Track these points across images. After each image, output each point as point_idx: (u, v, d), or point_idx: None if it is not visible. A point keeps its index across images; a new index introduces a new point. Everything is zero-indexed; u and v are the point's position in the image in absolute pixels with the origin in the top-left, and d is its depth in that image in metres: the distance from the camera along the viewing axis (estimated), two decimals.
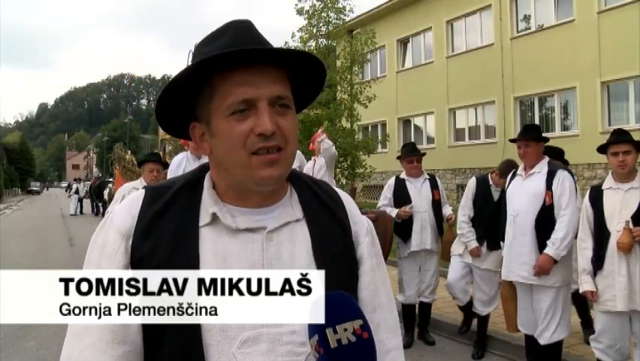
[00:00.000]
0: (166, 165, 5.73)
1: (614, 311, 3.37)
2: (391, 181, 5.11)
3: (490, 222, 4.59)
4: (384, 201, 5.03)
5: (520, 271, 3.89)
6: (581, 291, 3.55)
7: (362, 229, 1.05)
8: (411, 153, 4.99)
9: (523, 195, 3.91)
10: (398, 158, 5.13)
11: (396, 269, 5.19)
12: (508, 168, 4.54)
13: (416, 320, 5.12)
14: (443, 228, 5.03)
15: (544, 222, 3.77)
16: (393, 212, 4.85)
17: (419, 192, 4.90)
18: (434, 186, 4.98)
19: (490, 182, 4.81)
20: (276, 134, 0.89)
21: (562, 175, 3.82)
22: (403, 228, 4.87)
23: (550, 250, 3.69)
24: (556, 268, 3.75)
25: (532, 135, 3.94)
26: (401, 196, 4.92)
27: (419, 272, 4.96)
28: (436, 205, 4.92)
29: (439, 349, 4.92)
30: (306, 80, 1.00)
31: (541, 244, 3.77)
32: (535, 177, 3.90)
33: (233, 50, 0.87)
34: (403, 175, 5.07)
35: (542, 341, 3.86)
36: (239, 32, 0.93)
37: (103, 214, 18.40)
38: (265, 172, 0.90)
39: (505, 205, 4.08)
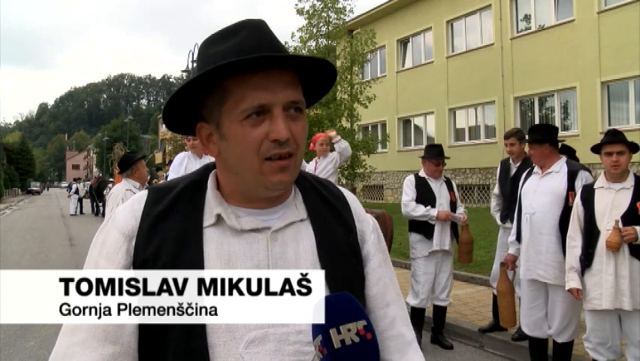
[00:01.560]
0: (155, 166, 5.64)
1: (601, 310, 3.38)
2: (412, 178, 4.99)
3: (510, 198, 4.83)
4: (412, 195, 4.86)
5: (537, 269, 3.85)
6: (567, 288, 3.55)
7: (367, 226, 1.06)
8: (440, 157, 4.93)
9: (540, 193, 3.87)
10: (421, 157, 5.04)
11: (397, 270, 5.17)
12: (517, 132, 5.06)
13: (423, 324, 5.00)
14: (457, 230, 4.99)
15: (568, 222, 3.69)
16: (432, 211, 4.74)
17: (440, 193, 4.89)
18: (450, 187, 4.99)
19: (510, 160, 5.09)
20: (289, 140, 0.88)
21: (584, 175, 3.81)
22: (425, 226, 4.80)
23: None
24: None
25: (533, 138, 3.96)
26: (426, 195, 4.85)
27: (434, 275, 4.88)
28: (453, 207, 4.91)
29: (438, 349, 4.91)
30: (315, 81, 0.99)
31: (565, 245, 3.69)
32: (553, 177, 3.87)
33: (254, 57, 0.85)
34: (422, 174, 4.99)
35: (562, 339, 3.83)
36: (253, 33, 0.91)
37: (103, 214, 18.44)
38: (276, 178, 0.90)
39: (520, 202, 4.07)
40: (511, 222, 4.73)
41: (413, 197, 4.85)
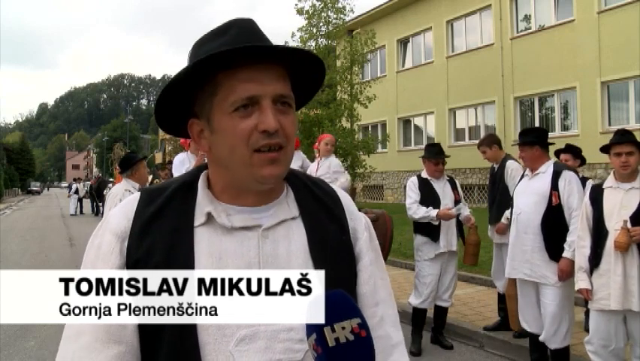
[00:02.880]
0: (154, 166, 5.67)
1: (608, 310, 3.36)
2: (414, 180, 4.90)
3: (492, 199, 5.09)
4: (416, 197, 4.77)
5: (523, 268, 3.93)
6: (576, 288, 3.55)
7: (360, 224, 1.06)
8: (439, 156, 4.89)
9: (527, 194, 3.97)
10: (422, 157, 5.00)
11: (397, 270, 5.15)
12: (485, 138, 5.30)
13: (424, 324, 4.96)
14: (463, 229, 4.98)
15: (551, 222, 3.78)
16: (432, 212, 4.65)
17: (443, 193, 4.84)
18: (454, 186, 4.97)
19: (494, 163, 5.26)
20: (278, 132, 0.89)
21: (568, 175, 3.83)
22: (431, 228, 4.72)
23: (568, 253, 3.70)
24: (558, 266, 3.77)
25: (524, 140, 4.06)
26: (429, 196, 4.77)
27: (439, 275, 4.83)
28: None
29: (438, 349, 4.90)
30: (305, 78, 1.00)
31: (548, 244, 3.78)
32: (540, 177, 3.94)
33: (244, 46, 0.86)
34: (424, 175, 4.91)
35: (553, 345, 3.80)
36: (242, 30, 0.93)
37: (102, 214, 18.43)
38: (266, 170, 0.90)
39: (513, 204, 4.18)
40: (490, 223, 5.06)
41: (417, 199, 4.76)
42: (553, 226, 3.79)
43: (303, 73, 0.98)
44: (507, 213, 4.60)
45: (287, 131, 0.91)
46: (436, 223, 4.70)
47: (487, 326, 5.11)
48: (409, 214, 4.80)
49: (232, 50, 0.86)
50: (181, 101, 0.96)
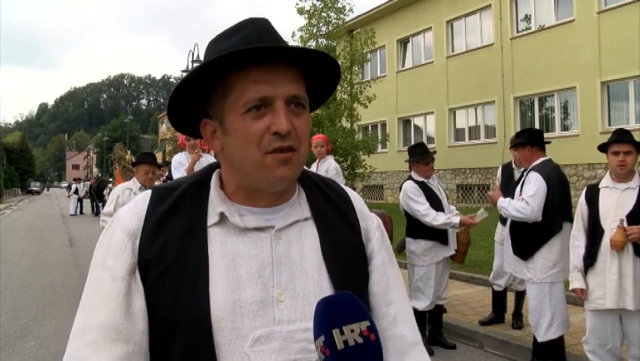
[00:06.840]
0: (159, 165, 5.76)
1: (604, 310, 3.37)
2: (414, 184, 4.67)
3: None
4: (426, 202, 4.57)
5: (511, 263, 4.12)
6: (570, 288, 3.56)
7: (371, 224, 1.05)
8: (429, 154, 4.76)
9: (517, 194, 4.13)
10: (408, 161, 4.84)
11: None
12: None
13: (427, 325, 4.94)
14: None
15: (517, 221, 3.97)
16: (454, 218, 4.48)
17: (441, 194, 4.77)
18: (440, 185, 4.96)
19: (513, 165, 5.20)
20: (291, 134, 0.88)
21: (530, 176, 3.95)
22: (441, 231, 4.62)
23: (502, 200, 4.06)
24: (533, 264, 3.86)
25: (516, 142, 4.20)
26: (430, 199, 4.62)
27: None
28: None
29: (439, 349, 4.89)
30: (319, 80, 0.99)
31: (514, 242, 4.04)
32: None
33: (252, 47, 0.85)
34: (417, 177, 4.74)
35: (538, 339, 3.91)
36: (256, 30, 0.92)
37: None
38: (278, 172, 0.89)
39: None
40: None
41: (428, 204, 4.58)
42: (520, 226, 3.94)
43: (318, 74, 0.96)
44: None
45: (299, 134, 0.90)
46: (457, 229, 4.66)
47: (482, 320, 5.25)
48: (427, 220, 4.52)
49: (239, 51, 0.85)
50: (194, 101, 0.95)
